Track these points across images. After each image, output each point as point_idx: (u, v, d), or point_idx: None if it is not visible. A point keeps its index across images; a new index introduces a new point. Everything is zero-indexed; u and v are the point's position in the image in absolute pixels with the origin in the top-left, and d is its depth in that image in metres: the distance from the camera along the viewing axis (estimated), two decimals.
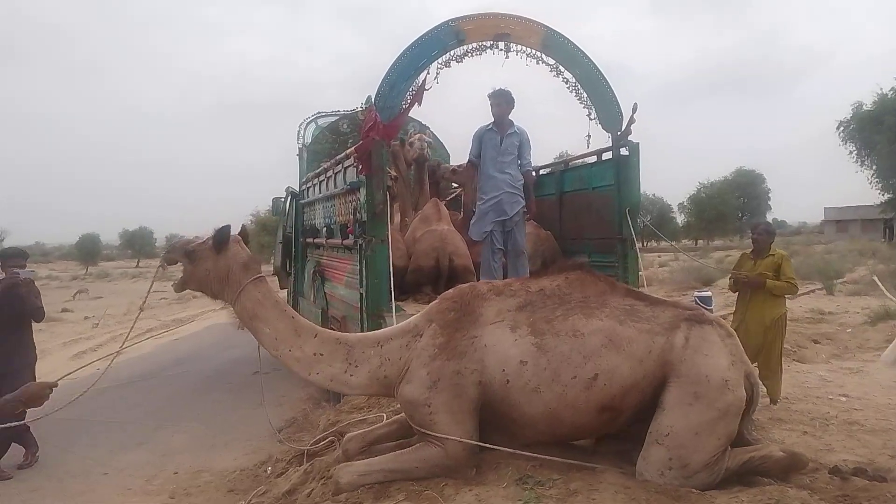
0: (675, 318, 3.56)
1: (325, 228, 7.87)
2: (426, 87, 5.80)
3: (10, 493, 5.65)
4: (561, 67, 6.15)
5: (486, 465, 3.59)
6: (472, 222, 6.42)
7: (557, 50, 6.10)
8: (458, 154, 9.79)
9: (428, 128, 9.87)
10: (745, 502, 3.17)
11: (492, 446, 3.57)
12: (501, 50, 5.99)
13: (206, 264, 3.83)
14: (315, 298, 8.66)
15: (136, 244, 62.72)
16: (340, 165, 7.03)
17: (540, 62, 6.11)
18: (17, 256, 6.48)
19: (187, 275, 3.91)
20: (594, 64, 6.20)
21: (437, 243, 6.77)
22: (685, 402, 3.36)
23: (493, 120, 6.13)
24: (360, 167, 5.74)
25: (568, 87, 6.22)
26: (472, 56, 5.92)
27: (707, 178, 50.54)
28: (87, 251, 56.40)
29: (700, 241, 52.12)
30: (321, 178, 8.38)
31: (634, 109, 6.16)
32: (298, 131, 10.85)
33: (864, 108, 33.85)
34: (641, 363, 3.43)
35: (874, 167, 34.20)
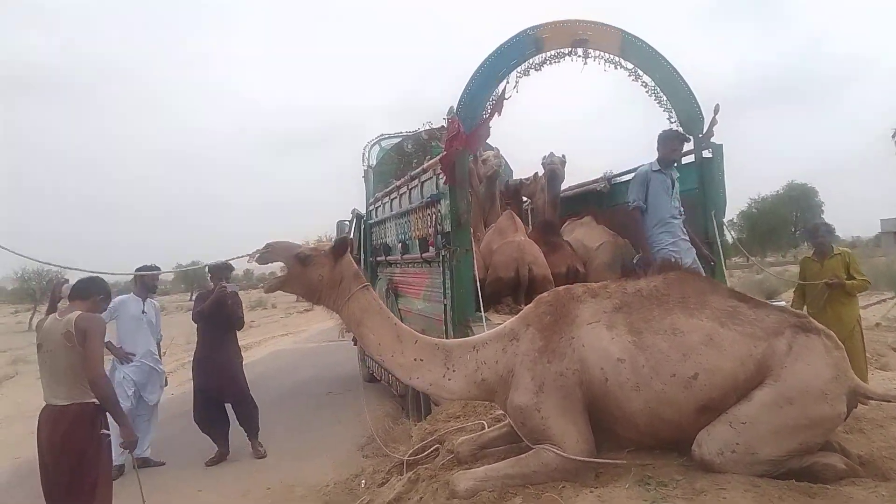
0: (779, 324, 3.46)
1: (399, 245, 7.90)
2: (506, 97, 5.81)
3: None
4: (639, 71, 6.11)
5: (604, 468, 3.53)
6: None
7: (635, 54, 6.07)
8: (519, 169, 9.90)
9: (494, 148, 9.95)
10: (886, 497, 3.04)
11: (607, 461, 3.49)
12: (580, 56, 5.98)
13: (320, 270, 3.91)
14: None
15: (189, 278, 64.01)
16: (417, 181, 7.08)
17: (618, 67, 6.09)
18: (224, 269, 7.30)
19: (292, 278, 3.98)
20: (672, 66, 6.15)
21: (516, 254, 6.73)
22: (776, 403, 3.25)
23: (656, 159, 6.03)
24: (444, 178, 5.76)
25: (647, 92, 6.17)
26: (550, 64, 5.92)
27: (758, 193, 49.51)
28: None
29: (752, 258, 50.82)
30: (393, 196, 8.45)
31: (716, 111, 6.08)
32: (363, 154, 10.99)
33: None
34: (742, 365, 3.34)
35: None
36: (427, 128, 10.95)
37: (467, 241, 5.84)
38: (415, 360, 3.86)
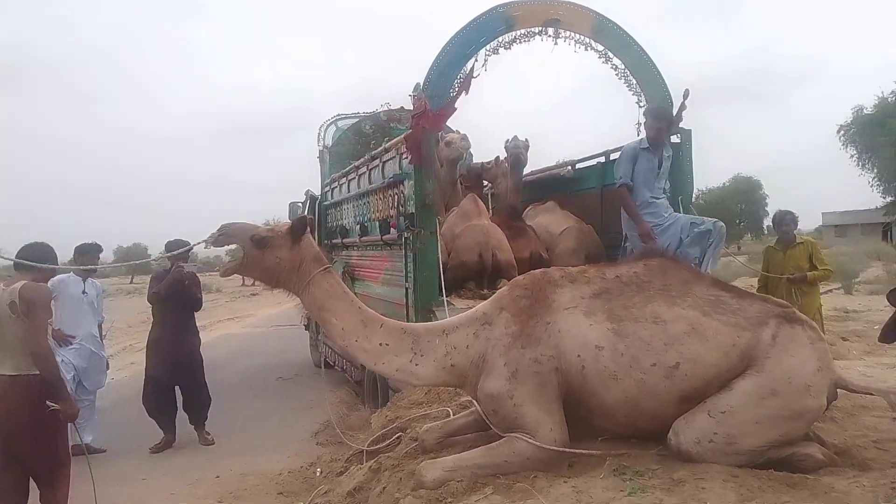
0: (763, 314, 3.38)
1: (357, 227, 7.65)
2: (474, 75, 5.64)
3: None
4: (610, 54, 6.00)
5: (578, 458, 3.41)
6: (625, 246, 6.09)
7: (608, 36, 5.95)
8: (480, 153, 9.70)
9: (456, 131, 9.77)
10: (868, 487, 2.98)
11: (582, 451, 3.36)
12: (550, 36, 5.84)
13: (278, 252, 3.71)
14: None
15: (129, 260, 62.07)
16: (378, 161, 6.86)
17: (589, 49, 5.96)
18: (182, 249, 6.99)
19: (249, 261, 3.78)
20: (644, 50, 6.06)
21: (481, 238, 6.58)
22: (759, 394, 3.17)
23: (643, 137, 5.88)
24: (409, 157, 5.56)
25: (617, 75, 6.07)
26: (520, 43, 5.76)
27: (705, 186, 50.59)
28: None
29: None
30: (351, 176, 8.21)
31: (686, 95, 5.99)
32: (318, 134, 10.67)
33: (865, 111, 33.99)
34: (726, 356, 3.25)
35: (875, 170, 34.30)
36: (386, 109, 10.69)
37: (432, 224, 5.67)
38: (380, 344, 3.68)
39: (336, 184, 9.12)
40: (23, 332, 4.11)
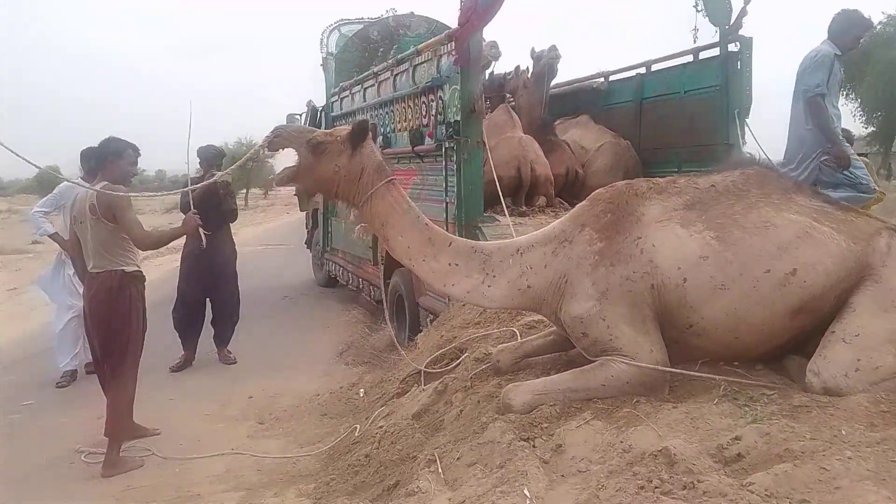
0: (872, 225, 3.15)
1: (379, 139, 7.18)
2: None
3: (73, 423, 5.13)
4: None
5: (679, 382, 3.15)
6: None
7: None
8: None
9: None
10: None
11: (692, 373, 3.09)
12: None
13: (337, 160, 3.36)
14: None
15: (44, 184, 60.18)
16: (407, 65, 6.35)
17: None
18: (216, 157, 6.75)
19: (304, 169, 3.44)
20: None
21: (518, 151, 6.22)
22: (881, 307, 2.93)
23: (835, 45, 4.97)
24: (456, 58, 5.10)
25: None
26: None
27: None
28: (47, 186, 53.99)
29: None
30: (367, 84, 7.69)
31: (747, 1, 5.58)
32: (321, 40, 10.02)
33: None
34: (844, 261, 2.98)
35: (859, 101, 34.10)
36: (392, 14, 10.08)
37: (478, 132, 5.26)
38: (449, 265, 3.37)
39: (347, 93, 8.57)
40: (104, 233, 4.41)
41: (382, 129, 7.20)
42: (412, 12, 9.91)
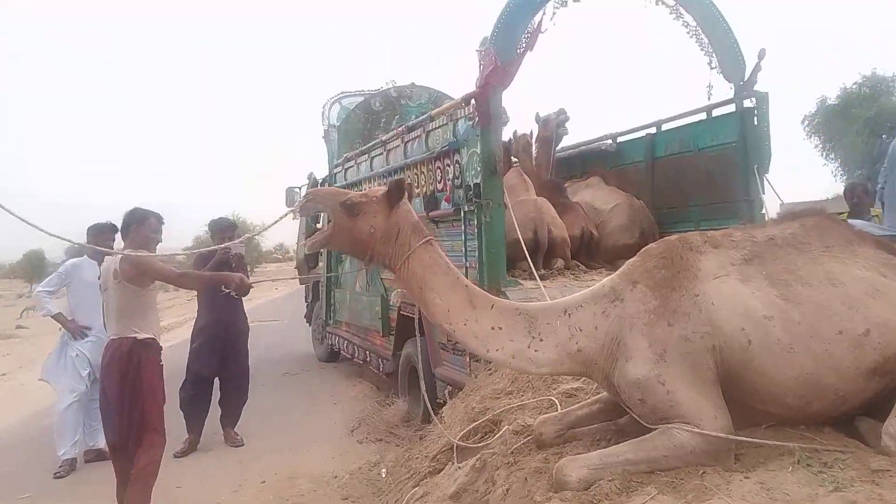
0: None
1: None
2: (541, 30, 5.11)
3: None
4: (681, 9, 5.54)
5: (745, 450, 2.91)
6: None
7: None
8: None
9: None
10: None
11: (762, 440, 2.86)
12: None
13: (373, 220, 3.20)
14: (368, 286, 7.84)
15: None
16: (420, 131, 6.28)
17: (659, 3, 5.49)
18: (229, 228, 6.49)
19: (339, 231, 3.26)
20: (715, 6, 5.61)
21: (534, 213, 6.07)
22: None
23: None
24: (477, 119, 5.00)
25: (688, 32, 5.62)
26: None
27: None
28: (34, 267, 53.43)
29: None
30: (375, 153, 7.60)
31: (761, 56, 5.58)
32: (322, 113, 10.08)
33: (829, 102, 34.37)
34: None
35: (839, 160, 34.76)
36: (392, 86, 10.15)
37: (500, 194, 5.12)
38: (492, 328, 3.13)
39: (353, 163, 8.49)
40: (124, 298, 4.33)
41: None
42: (413, 83, 10.00)
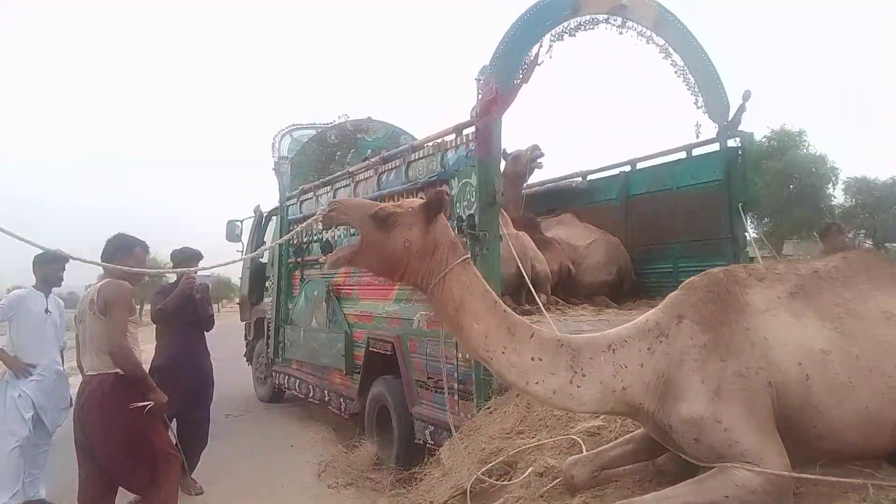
0: None
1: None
2: (538, 62, 5.05)
3: None
4: (670, 49, 5.61)
5: (805, 487, 2.81)
6: None
7: (669, 29, 5.58)
8: None
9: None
10: None
11: (824, 478, 2.75)
12: (614, 25, 5.37)
13: (408, 234, 2.95)
14: (329, 323, 7.48)
15: None
16: (399, 161, 6.08)
17: (650, 42, 5.55)
18: (193, 259, 5.99)
19: (369, 246, 3.01)
20: (702, 47, 5.73)
21: (517, 248, 5.90)
22: None
23: None
24: (477, 149, 4.86)
25: (675, 72, 5.68)
26: (584, 29, 5.26)
27: None
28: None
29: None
30: (341, 184, 7.35)
31: (746, 97, 5.70)
32: (273, 145, 9.74)
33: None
34: None
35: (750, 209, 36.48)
36: (347, 119, 9.95)
37: (497, 225, 4.97)
38: (532, 359, 2.92)
39: (311, 195, 8.18)
40: (100, 330, 4.01)
41: None
42: (369, 117, 9.84)
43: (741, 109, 5.72)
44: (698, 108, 5.74)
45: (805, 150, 28.18)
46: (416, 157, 5.81)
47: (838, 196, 29.75)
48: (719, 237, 5.95)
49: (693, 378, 2.74)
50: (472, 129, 4.97)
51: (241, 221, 11.06)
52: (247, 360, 11.02)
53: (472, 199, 4.96)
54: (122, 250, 4.09)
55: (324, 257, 7.50)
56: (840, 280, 3.02)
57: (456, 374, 5.15)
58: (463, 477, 4.03)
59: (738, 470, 2.64)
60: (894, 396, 2.73)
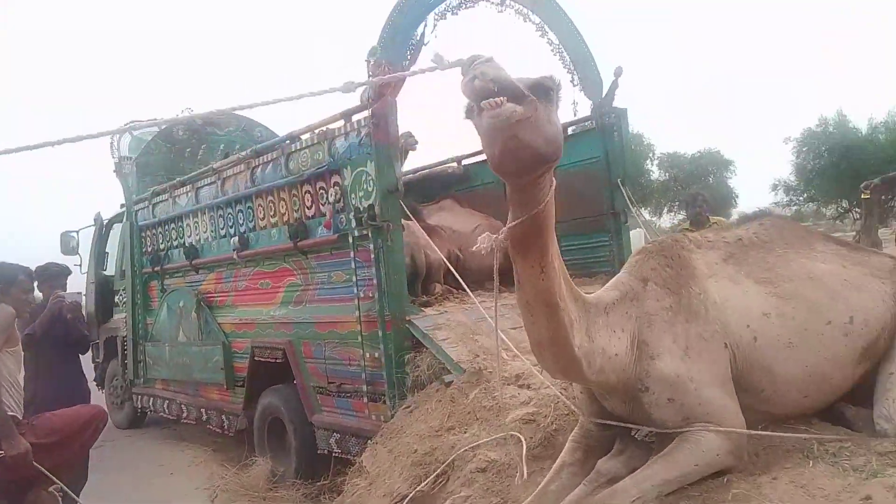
0: (885, 262, 3.25)
1: (234, 240, 6.26)
2: (424, 42, 4.89)
3: None
4: (546, 27, 5.63)
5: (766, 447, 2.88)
6: None
7: (544, 8, 5.59)
8: None
9: None
10: None
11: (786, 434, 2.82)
12: (493, 4, 5.31)
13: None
14: (201, 335, 6.90)
15: None
16: (277, 153, 5.67)
17: (527, 20, 5.55)
18: (60, 276, 5.48)
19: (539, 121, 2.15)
20: (575, 27, 5.79)
21: (409, 237, 5.69)
22: None
23: None
24: (375, 134, 4.60)
25: (552, 50, 5.72)
26: (466, 7, 5.16)
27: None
28: None
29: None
30: (204, 182, 6.78)
31: (618, 73, 5.83)
32: (111, 144, 8.81)
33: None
34: (884, 302, 3.03)
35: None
36: (189, 112, 9.22)
37: (399, 215, 4.75)
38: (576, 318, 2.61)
39: (166, 196, 7.49)
40: None
41: (234, 230, 6.32)
42: (219, 109, 9.12)
43: (614, 86, 5.87)
44: (574, 86, 5.82)
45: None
46: (297, 148, 5.44)
47: (654, 171, 31.95)
48: (601, 213, 6.08)
49: (665, 337, 2.74)
50: (364, 113, 4.71)
51: (77, 232, 10.00)
52: (97, 385, 9.96)
53: (371, 189, 4.70)
54: (5, 282, 3.66)
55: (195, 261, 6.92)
56: (760, 245, 3.16)
57: (364, 376, 4.90)
58: (396, 482, 3.80)
59: (702, 434, 2.64)
60: (827, 353, 2.87)
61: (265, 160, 5.82)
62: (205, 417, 7.01)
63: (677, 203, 29.86)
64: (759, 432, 2.81)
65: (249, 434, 6.30)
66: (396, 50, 4.71)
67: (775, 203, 25.71)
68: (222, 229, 6.51)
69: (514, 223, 2.32)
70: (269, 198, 5.77)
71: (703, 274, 2.95)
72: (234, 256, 6.23)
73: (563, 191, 6.21)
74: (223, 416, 6.70)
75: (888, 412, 2.87)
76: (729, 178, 30.12)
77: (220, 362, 6.56)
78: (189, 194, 7.02)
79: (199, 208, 6.84)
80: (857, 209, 23.26)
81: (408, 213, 4.93)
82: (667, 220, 31.46)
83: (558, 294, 2.45)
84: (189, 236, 7.10)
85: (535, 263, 2.41)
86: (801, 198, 25.95)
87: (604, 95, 5.95)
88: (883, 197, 20.28)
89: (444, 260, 5.25)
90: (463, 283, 4.78)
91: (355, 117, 4.83)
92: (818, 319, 2.88)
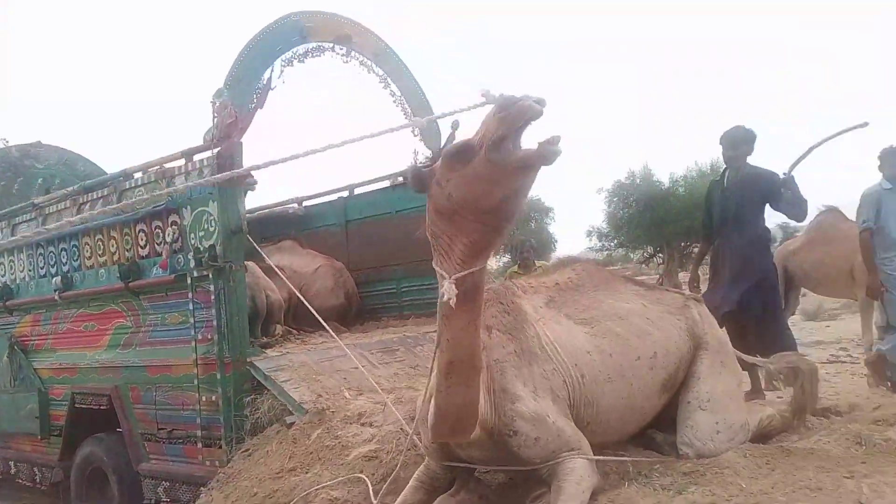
0: (679, 299, 3.69)
1: (55, 280, 5.86)
2: (271, 87, 4.97)
3: None
4: (389, 80, 5.87)
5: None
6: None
7: (387, 61, 5.82)
8: None
9: None
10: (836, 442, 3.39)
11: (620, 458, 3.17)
12: (340, 54, 5.49)
13: None
14: (13, 382, 6.36)
15: None
16: (108, 190, 5.45)
17: (371, 72, 5.76)
18: None
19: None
20: (415, 79, 6.07)
21: (249, 278, 5.68)
22: (716, 370, 3.45)
23: (884, 177, 5.56)
24: (219, 173, 4.56)
25: (394, 101, 5.96)
26: (312, 56, 5.29)
27: None
28: None
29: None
30: (20, 218, 6.34)
31: (455, 127, 6.15)
32: None
33: None
34: (680, 337, 3.46)
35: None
36: (8, 144, 8.61)
37: (242, 256, 4.73)
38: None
39: None
40: None
41: (56, 270, 5.94)
42: (39, 141, 8.54)
43: (451, 138, 6.19)
44: (415, 135, 6.08)
45: None
46: (131, 186, 5.26)
47: None
48: None
49: (517, 382, 2.92)
50: (207, 154, 4.68)
51: None
52: None
53: (213, 229, 4.65)
54: None
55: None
56: (573, 289, 3.49)
57: (198, 420, 4.77)
58: None
59: (573, 461, 2.86)
60: (638, 386, 3.24)
61: (94, 196, 5.56)
62: (13, 471, 6.46)
63: (503, 247, 31.41)
64: (605, 457, 3.08)
65: (66, 487, 5.86)
66: (242, 91, 4.73)
67: (590, 248, 27.68)
68: (42, 268, 6.10)
69: (470, 270, 2.48)
70: (98, 236, 5.51)
71: (533, 318, 3.20)
72: (56, 297, 5.84)
73: (402, 235, 6.49)
74: (35, 469, 6.22)
75: (688, 438, 3.28)
76: (549, 224, 31.96)
77: (34, 410, 6.09)
78: (5, 230, 6.52)
79: (13, 247, 6.36)
80: (660, 254, 25.76)
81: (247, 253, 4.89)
82: (492, 262, 32.73)
83: (479, 355, 2.66)
84: (3, 275, 6.56)
85: (474, 318, 2.60)
86: (612, 243, 28.11)
87: (441, 146, 6.25)
88: (682, 244, 22.63)
89: (293, 297, 5.19)
90: (322, 321, 4.78)
91: (198, 157, 4.78)
92: (629, 355, 3.24)
